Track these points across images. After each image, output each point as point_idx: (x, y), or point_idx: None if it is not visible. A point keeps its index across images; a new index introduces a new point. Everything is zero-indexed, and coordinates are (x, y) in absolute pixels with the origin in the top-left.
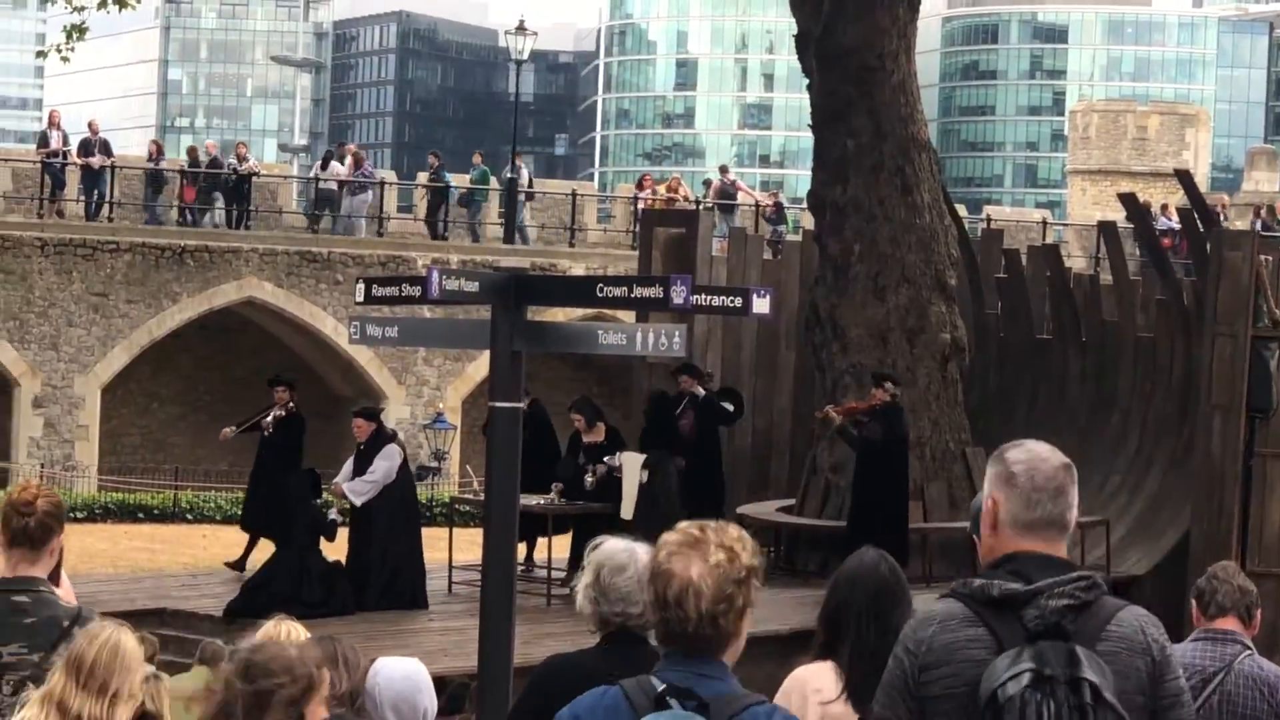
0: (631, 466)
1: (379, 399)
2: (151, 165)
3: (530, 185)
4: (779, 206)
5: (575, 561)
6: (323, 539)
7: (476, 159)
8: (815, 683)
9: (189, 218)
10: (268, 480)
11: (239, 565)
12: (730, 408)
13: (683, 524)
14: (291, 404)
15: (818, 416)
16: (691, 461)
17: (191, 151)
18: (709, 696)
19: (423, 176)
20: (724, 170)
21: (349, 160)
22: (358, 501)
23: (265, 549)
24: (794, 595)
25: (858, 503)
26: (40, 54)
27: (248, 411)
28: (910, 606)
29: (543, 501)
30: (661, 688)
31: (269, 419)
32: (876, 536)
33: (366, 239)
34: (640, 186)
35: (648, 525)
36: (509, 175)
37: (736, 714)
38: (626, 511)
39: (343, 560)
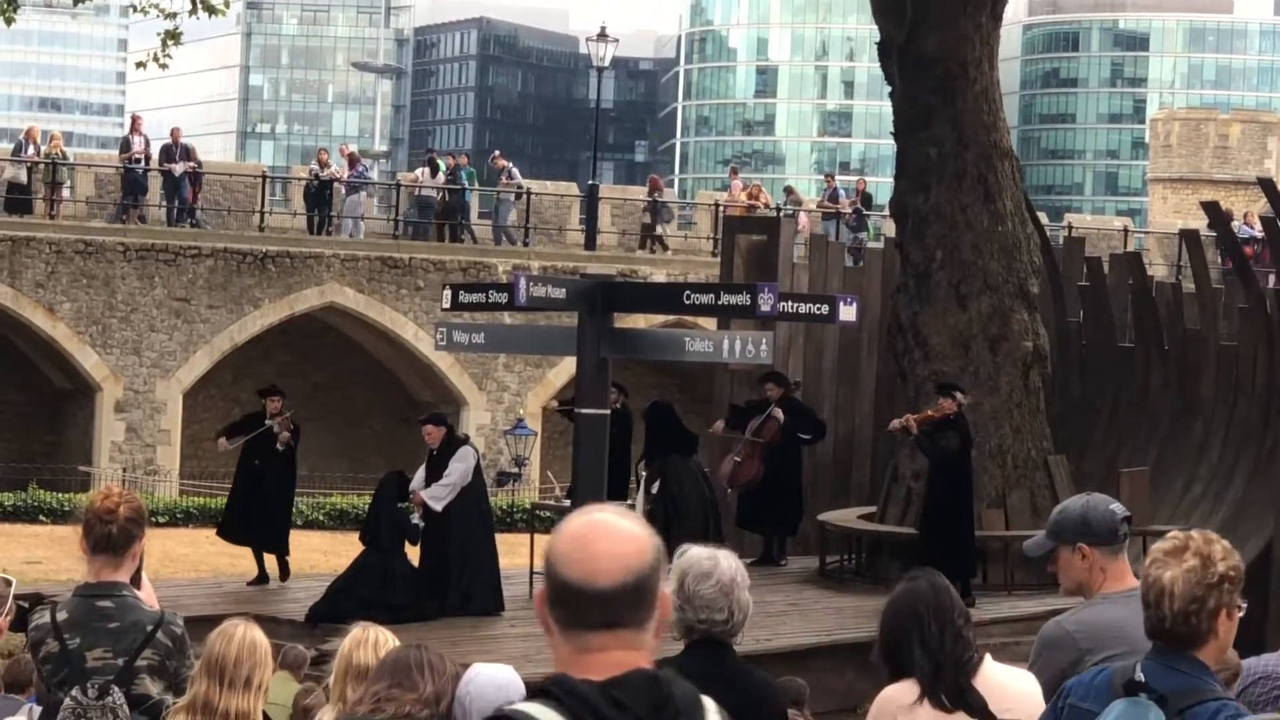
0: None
1: (460, 405)
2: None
3: (520, 186)
4: (859, 214)
5: None
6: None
7: (463, 160)
8: (901, 699)
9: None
10: (262, 490)
11: (260, 580)
12: (807, 437)
13: (1172, 532)
14: (288, 414)
15: (899, 424)
16: (770, 469)
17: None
18: (1169, 690)
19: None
20: (734, 172)
21: (358, 164)
22: (437, 507)
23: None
24: (876, 603)
25: (934, 512)
26: (140, 65)
27: (322, 415)
28: (963, 617)
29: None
30: (1129, 678)
31: (277, 429)
32: (948, 545)
33: (448, 245)
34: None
35: (666, 527)
36: (590, 183)
37: (1188, 708)
38: None
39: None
